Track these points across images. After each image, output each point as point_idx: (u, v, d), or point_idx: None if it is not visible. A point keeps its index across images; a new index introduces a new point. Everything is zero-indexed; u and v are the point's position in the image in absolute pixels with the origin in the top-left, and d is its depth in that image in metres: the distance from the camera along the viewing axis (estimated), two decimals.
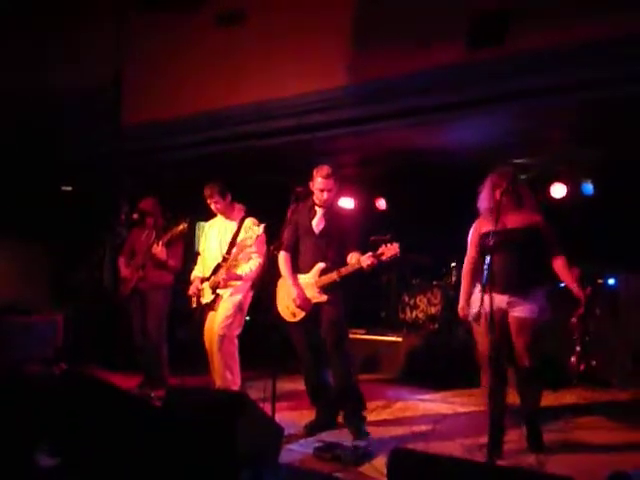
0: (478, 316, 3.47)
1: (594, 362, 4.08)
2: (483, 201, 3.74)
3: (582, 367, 4.83)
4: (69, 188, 6.89)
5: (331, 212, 4.13)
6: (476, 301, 3.56)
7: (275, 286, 4.25)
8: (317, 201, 4.10)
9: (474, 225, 3.81)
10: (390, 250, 3.75)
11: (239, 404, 2.74)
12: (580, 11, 4.13)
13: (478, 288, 3.59)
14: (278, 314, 4.15)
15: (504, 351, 3.61)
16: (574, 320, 4.04)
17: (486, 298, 3.22)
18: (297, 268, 4.14)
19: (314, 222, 4.11)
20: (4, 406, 3.05)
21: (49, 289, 6.87)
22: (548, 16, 4.26)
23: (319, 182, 4.02)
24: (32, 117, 5.73)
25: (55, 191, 6.78)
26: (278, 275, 4.22)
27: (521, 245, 3.55)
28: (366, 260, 3.80)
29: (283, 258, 4.14)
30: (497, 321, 3.47)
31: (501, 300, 3.52)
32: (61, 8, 5.49)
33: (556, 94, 4.47)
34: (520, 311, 3.56)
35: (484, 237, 3.59)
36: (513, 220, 3.60)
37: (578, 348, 4.53)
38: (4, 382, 3.52)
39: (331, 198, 4.09)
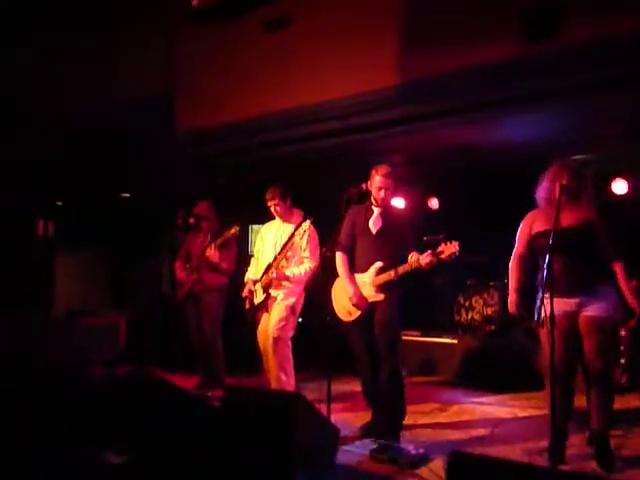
0: (543, 322, 3.24)
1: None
2: (542, 191, 3.62)
3: (624, 380, 4.65)
4: (127, 195, 7.13)
5: (388, 212, 4.16)
6: (540, 306, 3.34)
7: (330, 287, 4.27)
8: (374, 201, 4.13)
9: (525, 219, 3.69)
10: (449, 248, 3.72)
11: (295, 405, 2.77)
12: (635, 1, 3.98)
13: (541, 293, 3.37)
14: (334, 314, 4.18)
15: (573, 358, 3.48)
16: (624, 332, 3.88)
17: (547, 303, 3.11)
18: (354, 268, 4.17)
19: (371, 222, 4.14)
20: (71, 407, 3.18)
21: (111, 293, 7.12)
22: (601, 8, 4.12)
23: (378, 180, 4.05)
24: (92, 127, 5.95)
25: (115, 198, 7.03)
26: (332, 276, 4.24)
27: (577, 244, 3.40)
28: (425, 259, 3.78)
29: (340, 258, 4.19)
30: (565, 326, 3.40)
31: (567, 304, 3.39)
32: (122, 23, 5.67)
33: (610, 88, 4.32)
34: (592, 310, 3.40)
35: (537, 237, 3.50)
36: (569, 218, 3.46)
37: (623, 361, 4.34)
38: (70, 384, 3.66)
39: (389, 197, 4.11)
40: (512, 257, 3.70)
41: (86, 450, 2.76)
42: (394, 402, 4.02)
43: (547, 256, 3.15)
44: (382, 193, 4.04)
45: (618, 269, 3.44)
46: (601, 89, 4.36)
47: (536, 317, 3.32)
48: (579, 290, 3.40)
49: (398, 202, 6.82)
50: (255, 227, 5.47)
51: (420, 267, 3.83)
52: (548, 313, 3.11)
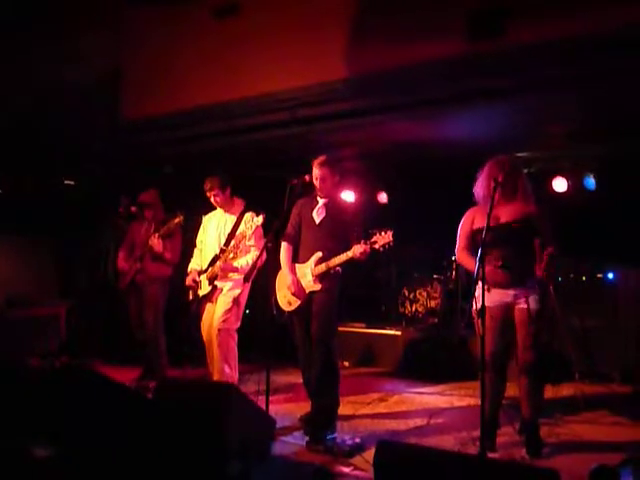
0: (481, 312, 3.28)
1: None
2: (479, 188, 3.72)
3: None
4: (72, 182, 6.93)
5: (332, 203, 4.18)
6: (479, 297, 3.40)
7: (274, 278, 4.28)
8: (319, 192, 4.16)
9: (466, 215, 3.80)
10: (383, 238, 3.76)
11: (228, 396, 2.76)
12: (581, 2, 4.10)
13: (479, 285, 3.45)
14: (277, 303, 4.20)
15: (505, 348, 3.60)
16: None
17: (487, 295, 3.21)
18: (298, 258, 4.20)
19: (315, 212, 4.16)
20: (2, 398, 3.09)
21: (53, 283, 6.93)
22: (549, 8, 4.22)
23: (314, 171, 4.10)
24: (33, 113, 5.76)
25: (58, 185, 6.83)
26: (277, 267, 4.25)
27: (516, 239, 3.52)
28: (359, 248, 3.81)
29: (284, 248, 4.22)
30: (501, 316, 3.54)
31: (505, 294, 3.53)
32: (60, 5, 5.50)
33: (556, 87, 4.44)
34: (525, 302, 3.51)
35: (478, 233, 3.58)
36: (506, 213, 3.57)
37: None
38: (4, 375, 3.56)
39: (327, 187, 4.12)
40: (456, 251, 3.80)
41: (13, 443, 2.70)
42: (328, 393, 4.01)
43: (480, 250, 3.21)
44: (318, 183, 4.08)
45: (547, 252, 3.43)
46: (544, 89, 4.48)
47: (473, 307, 3.44)
48: (515, 283, 3.51)
49: (348, 195, 6.88)
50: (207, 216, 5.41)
51: (355, 257, 3.85)
52: (488, 306, 3.23)
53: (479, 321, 3.41)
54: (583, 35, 4.02)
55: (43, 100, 5.72)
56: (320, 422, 3.92)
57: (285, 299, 4.17)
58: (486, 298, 3.25)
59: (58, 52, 5.71)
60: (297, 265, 4.19)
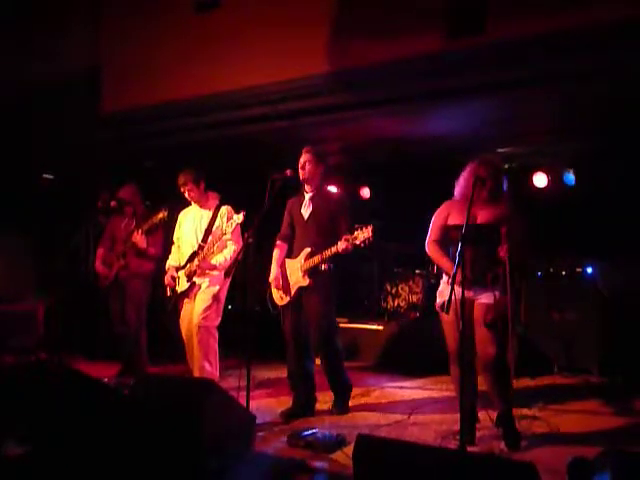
0: (445, 306, 3.27)
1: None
2: (459, 187, 3.74)
3: None
4: (50, 176, 6.84)
5: (318, 196, 4.19)
6: (444, 291, 3.58)
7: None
8: (306, 187, 4.18)
9: (441, 208, 3.80)
10: (363, 234, 3.79)
11: (206, 392, 2.75)
12: (558, 2, 4.13)
13: (445, 279, 3.66)
14: (271, 297, 4.26)
15: (471, 341, 3.60)
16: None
17: (456, 289, 3.21)
18: (291, 254, 4.23)
19: (303, 208, 4.20)
20: None
21: (31, 278, 6.84)
22: (528, 5, 4.25)
23: (301, 158, 4.14)
24: (11, 106, 5.68)
25: (36, 180, 6.74)
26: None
27: (486, 239, 3.55)
28: (341, 245, 3.85)
29: (278, 247, 4.31)
30: (464, 312, 3.41)
31: (467, 290, 3.47)
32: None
33: (536, 84, 4.48)
34: (485, 297, 3.57)
35: (451, 229, 3.64)
36: (483, 215, 3.61)
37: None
38: None
39: (311, 174, 4.13)
40: (427, 243, 3.79)
41: None
42: (342, 386, 4.28)
43: (458, 247, 3.24)
44: (303, 169, 4.11)
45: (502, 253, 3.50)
46: (523, 86, 4.51)
47: (440, 300, 3.54)
48: (477, 281, 3.55)
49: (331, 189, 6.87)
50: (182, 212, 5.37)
51: (337, 252, 3.90)
52: (445, 299, 3.24)
53: (443, 315, 3.58)
54: (562, 32, 4.06)
55: (21, 94, 5.64)
56: (342, 399, 4.23)
57: (278, 293, 4.22)
58: (449, 293, 3.21)
59: (37, 46, 5.63)
60: (288, 260, 4.22)
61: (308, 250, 4.05)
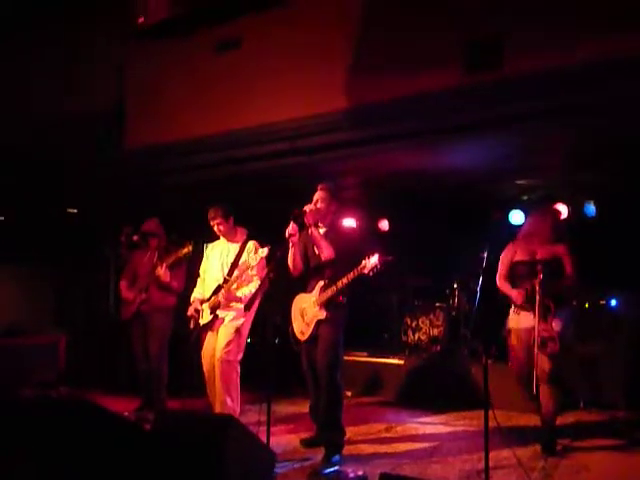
0: (509, 332, 4.24)
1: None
2: (525, 227, 4.51)
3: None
4: (74, 210, 6.97)
5: (332, 231, 4.21)
6: (511, 319, 4.31)
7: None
8: (319, 222, 4.18)
9: (507, 247, 4.45)
10: (371, 262, 3.81)
11: (227, 429, 2.73)
12: (577, 34, 4.16)
13: (512, 308, 4.30)
14: (293, 333, 4.25)
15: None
16: None
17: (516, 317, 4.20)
18: (305, 288, 4.23)
19: None
20: None
21: (53, 311, 6.90)
22: (545, 40, 4.29)
23: (315, 195, 4.17)
24: (36, 141, 5.83)
25: (60, 214, 6.86)
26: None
27: (546, 273, 4.09)
28: (350, 276, 3.89)
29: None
30: (526, 338, 4.14)
31: (532, 319, 4.06)
32: (63, 35, 5.61)
33: (554, 118, 4.49)
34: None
35: (517, 264, 4.30)
36: (543, 251, 4.25)
37: None
38: None
39: (322, 212, 4.15)
40: (497, 278, 4.44)
41: (4, 474, 2.66)
42: (333, 424, 4.03)
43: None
44: (315, 206, 4.11)
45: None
46: (546, 118, 4.52)
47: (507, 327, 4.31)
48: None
49: (349, 223, 6.89)
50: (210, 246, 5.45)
51: (349, 282, 3.92)
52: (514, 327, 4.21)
53: (508, 338, 4.31)
54: (580, 66, 4.08)
55: (46, 129, 5.80)
56: (326, 453, 3.91)
57: (299, 329, 4.21)
58: (516, 321, 4.22)
59: (64, 82, 5.81)
60: (303, 295, 4.22)
61: (322, 283, 4.07)
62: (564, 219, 5.60)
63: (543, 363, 4.02)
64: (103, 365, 6.42)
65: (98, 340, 6.59)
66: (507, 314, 4.36)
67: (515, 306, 4.25)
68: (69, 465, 2.67)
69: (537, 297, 4.08)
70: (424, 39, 4.66)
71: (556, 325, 4.07)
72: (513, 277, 4.32)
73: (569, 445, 4.27)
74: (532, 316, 4.06)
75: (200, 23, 5.24)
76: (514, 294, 4.22)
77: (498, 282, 4.41)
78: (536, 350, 3.98)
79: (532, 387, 3.98)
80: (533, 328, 4.02)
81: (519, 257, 4.31)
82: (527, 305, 4.13)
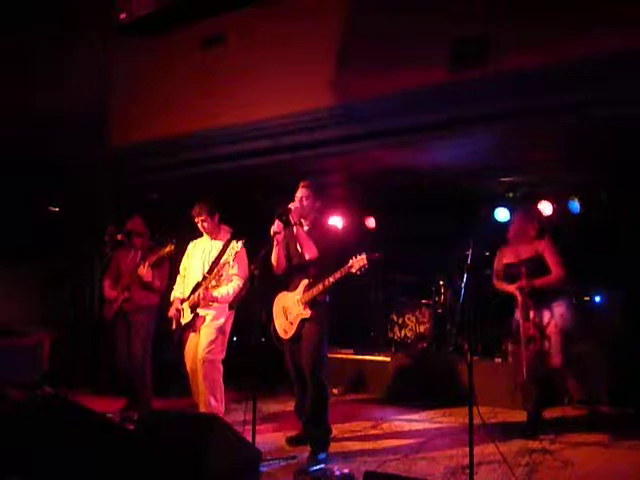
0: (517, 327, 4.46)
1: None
2: (511, 230, 4.71)
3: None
4: (56, 209, 6.88)
5: (314, 230, 4.18)
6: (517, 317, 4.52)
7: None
8: (302, 219, 4.15)
9: (499, 251, 4.75)
10: (358, 262, 3.80)
11: (210, 428, 2.72)
12: (563, 32, 4.17)
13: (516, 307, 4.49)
14: (275, 332, 4.22)
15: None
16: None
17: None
18: (288, 287, 4.19)
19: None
20: None
21: (37, 311, 6.82)
22: (530, 37, 4.30)
23: (297, 192, 4.14)
24: (17, 139, 5.75)
25: (42, 212, 6.78)
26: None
27: (533, 270, 4.38)
28: (337, 275, 3.87)
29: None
30: (532, 334, 4.38)
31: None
32: (44, 32, 5.54)
33: (538, 115, 4.51)
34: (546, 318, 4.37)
35: (507, 267, 4.58)
36: (526, 251, 4.51)
37: None
38: None
39: (306, 210, 4.12)
40: (493, 281, 4.73)
41: None
42: (318, 421, 4.03)
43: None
44: (299, 204, 4.08)
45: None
46: (530, 116, 4.54)
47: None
48: (537, 306, 4.40)
49: (336, 221, 6.89)
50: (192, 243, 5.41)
51: (334, 282, 3.91)
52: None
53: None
54: (564, 64, 4.10)
55: (29, 126, 5.72)
56: (312, 451, 3.90)
57: (282, 328, 4.18)
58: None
59: (46, 79, 5.73)
60: (286, 293, 4.19)
61: (306, 282, 4.05)
62: (548, 217, 5.68)
63: (552, 358, 4.30)
64: (88, 365, 6.36)
65: (83, 340, 6.52)
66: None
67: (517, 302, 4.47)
68: (53, 466, 2.64)
69: (518, 299, 4.40)
70: (408, 36, 4.64)
71: (547, 317, 4.32)
72: (506, 280, 4.58)
73: (553, 440, 4.30)
74: (520, 315, 4.38)
75: (183, 19, 5.19)
76: (512, 289, 4.46)
77: (495, 284, 4.69)
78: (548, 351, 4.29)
79: (539, 383, 4.39)
80: (522, 326, 4.36)
81: (507, 260, 4.59)
82: (520, 303, 4.40)
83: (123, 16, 5.05)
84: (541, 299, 4.39)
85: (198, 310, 4.57)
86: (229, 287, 4.51)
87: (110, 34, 5.42)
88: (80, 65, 5.55)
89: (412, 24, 4.63)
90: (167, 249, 4.94)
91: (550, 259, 4.44)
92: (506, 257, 4.61)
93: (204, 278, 4.55)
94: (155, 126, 5.43)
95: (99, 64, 5.58)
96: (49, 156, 5.79)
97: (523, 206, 5.98)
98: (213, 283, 4.50)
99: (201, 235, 4.81)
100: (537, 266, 4.42)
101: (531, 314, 4.37)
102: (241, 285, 4.48)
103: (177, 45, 5.34)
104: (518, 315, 4.47)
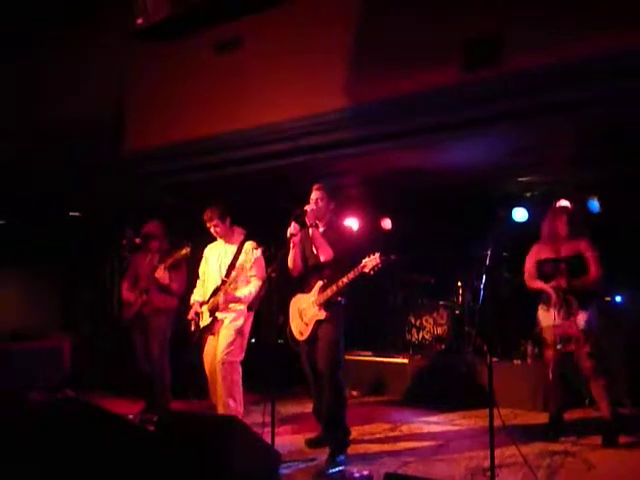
0: (541, 330, 4.43)
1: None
2: (544, 228, 4.59)
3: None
4: (77, 214, 6.96)
5: (329, 231, 4.19)
6: (541, 317, 4.44)
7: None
8: (317, 221, 4.15)
9: (533, 247, 4.62)
10: (371, 261, 3.81)
11: (231, 430, 2.73)
12: (575, 30, 4.13)
13: (541, 305, 4.44)
14: (291, 333, 4.23)
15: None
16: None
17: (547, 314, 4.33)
18: (303, 288, 4.20)
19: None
20: (3, 434, 3.06)
21: (57, 315, 6.91)
22: (543, 36, 4.27)
23: (311, 195, 4.16)
24: (37, 145, 5.83)
25: (63, 217, 6.86)
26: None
27: (572, 269, 4.29)
28: (350, 275, 3.87)
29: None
30: (553, 335, 4.31)
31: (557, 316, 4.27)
32: (61, 38, 5.60)
33: (552, 114, 4.47)
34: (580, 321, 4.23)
35: (542, 263, 4.47)
36: (566, 248, 4.41)
37: None
38: (5, 410, 3.53)
39: (321, 211, 4.13)
40: (525, 278, 4.61)
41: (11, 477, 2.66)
42: (337, 423, 4.02)
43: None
44: (313, 206, 4.09)
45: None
46: (541, 116, 4.51)
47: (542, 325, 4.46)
48: (567, 305, 4.29)
49: (352, 222, 6.88)
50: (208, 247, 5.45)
51: (349, 282, 3.91)
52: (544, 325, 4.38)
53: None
54: (578, 61, 4.06)
55: (47, 132, 5.79)
56: (331, 453, 3.89)
57: (297, 329, 4.19)
58: (545, 317, 4.36)
59: (64, 85, 5.80)
60: (301, 295, 4.19)
61: (321, 283, 4.05)
62: (577, 212, 5.51)
63: (583, 361, 4.21)
64: (108, 368, 6.42)
65: (103, 343, 6.59)
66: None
67: (544, 303, 4.39)
68: (73, 468, 2.67)
69: (553, 297, 4.28)
70: (422, 38, 4.64)
71: (581, 319, 4.20)
72: (540, 276, 4.47)
73: (575, 442, 4.25)
74: (557, 314, 4.27)
75: (199, 23, 5.21)
76: (548, 288, 4.36)
77: (528, 282, 4.57)
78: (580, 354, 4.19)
79: (562, 385, 4.39)
80: (559, 325, 4.26)
81: (545, 255, 4.47)
82: (555, 302, 4.29)
83: (140, 21, 5.10)
84: (577, 299, 4.28)
85: (217, 314, 4.59)
86: (250, 287, 4.53)
87: (127, 39, 5.47)
88: (97, 70, 5.61)
89: (425, 25, 4.62)
90: (183, 251, 4.97)
91: (591, 260, 4.34)
92: (544, 253, 4.49)
93: (223, 282, 4.57)
94: (172, 130, 5.47)
95: (116, 69, 5.63)
96: (67, 162, 5.86)
97: (548, 203, 5.94)
98: (232, 287, 4.52)
99: (216, 239, 4.84)
100: (575, 266, 4.33)
101: (573, 314, 4.24)
102: (260, 285, 4.49)
103: (194, 49, 5.37)
104: (543, 315, 4.40)
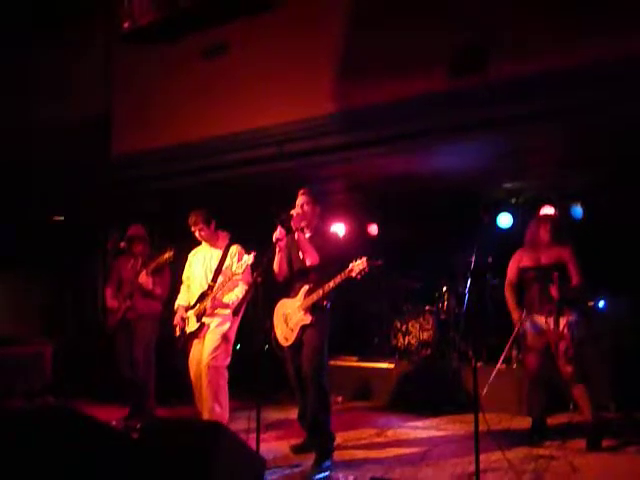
0: (525, 334, 4.44)
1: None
2: (528, 234, 4.63)
3: None
4: (61, 218, 6.89)
5: (315, 236, 4.19)
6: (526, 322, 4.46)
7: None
8: (302, 226, 4.14)
9: (515, 254, 4.66)
10: (358, 265, 3.80)
11: (215, 436, 2.70)
12: (561, 38, 4.20)
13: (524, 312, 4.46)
14: (276, 339, 4.21)
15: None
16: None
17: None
18: (289, 293, 4.19)
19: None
20: None
21: (39, 321, 6.82)
22: (529, 44, 4.32)
23: (297, 200, 4.15)
24: (21, 149, 5.78)
25: (46, 222, 6.79)
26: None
27: (552, 277, 4.26)
28: (337, 279, 3.87)
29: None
30: (536, 342, 4.37)
31: (542, 321, 4.32)
32: (47, 41, 5.57)
33: (538, 120, 4.52)
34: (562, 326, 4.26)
35: (524, 270, 4.51)
36: (547, 256, 4.43)
37: None
38: None
39: (307, 216, 4.13)
40: (506, 284, 4.65)
41: None
42: (321, 428, 4.01)
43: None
44: (299, 211, 4.09)
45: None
46: (525, 122, 4.55)
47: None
48: (550, 312, 4.31)
49: (338, 228, 6.89)
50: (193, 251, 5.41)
51: (335, 287, 3.91)
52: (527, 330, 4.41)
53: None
54: (563, 69, 4.12)
55: (33, 136, 5.74)
56: (317, 459, 3.87)
57: (282, 335, 4.17)
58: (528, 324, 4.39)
59: (50, 89, 5.76)
60: (287, 300, 4.18)
61: (306, 288, 4.05)
62: (560, 220, 5.55)
63: (563, 366, 4.24)
64: (91, 374, 6.35)
65: (85, 349, 6.51)
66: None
67: (527, 309, 4.44)
68: (54, 475, 2.63)
69: (515, 325, 4.36)
70: (409, 44, 4.67)
71: (563, 325, 4.24)
72: (522, 283, 4.54)
73: (560, 447, 4.27)
74: (543, 320, 4.30)
75: (187, 28, 5.22)
76: (515, 315, 4.47)
77: (505, 290, 4.63)
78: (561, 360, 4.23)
79: (545, 390, 4.40)
80: (542, 332, 4.30)
81: (525, 263, 4.52)
82: (538, 310, 4.36)
83: (127, 25, 5.08)
84: (560, 306, 4.30)
85: (204, 319, 4.56)
86: (237, 292, 4.52)
87: (114, 43, 5.45)
88: (83, 74, 5.57)
89: (413, 31, 4.66)
90: (166, 255, 4.95)
91: (572, 268, 4.37)
92: (524, 260, 4.54)
93: (210, 287, 4.55)
94: (159, 134, 5.46)
95: (102, 73, 5.61)
96: (52, 165, 5.81)
97: (533, 210, 6.01)
98: (219, 292, 4.50)
99: (200, 243, 4.81)
100: (558, 273, 4.33)
101: (559, 321, 4.27)
102: (246, 289, 4.47)
103: (180, 54, 5.37)
104: (526, 324, 4.43)
